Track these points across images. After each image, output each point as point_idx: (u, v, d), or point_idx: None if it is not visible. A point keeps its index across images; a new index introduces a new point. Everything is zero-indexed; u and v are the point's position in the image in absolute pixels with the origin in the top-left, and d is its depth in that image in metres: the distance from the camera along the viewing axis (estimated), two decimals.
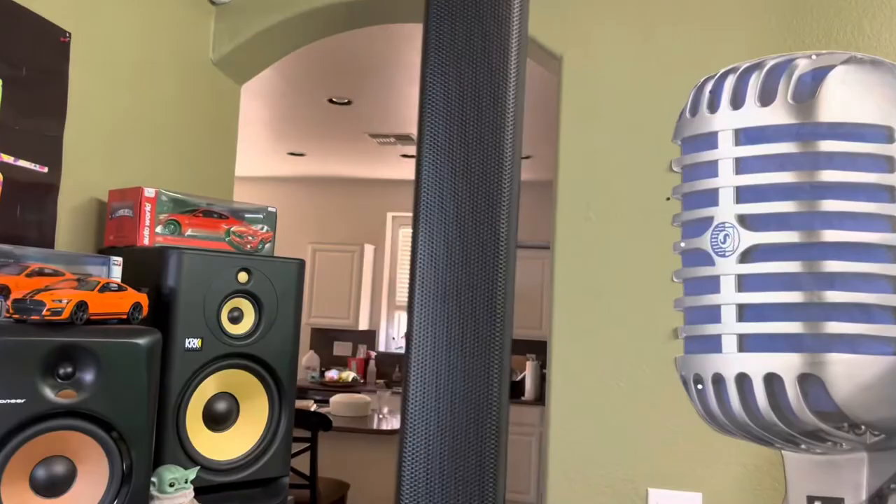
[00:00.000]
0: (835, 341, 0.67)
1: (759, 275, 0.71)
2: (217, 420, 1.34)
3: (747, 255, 0.71)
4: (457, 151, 0.42)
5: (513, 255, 0.42)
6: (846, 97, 0.71)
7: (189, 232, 1.41)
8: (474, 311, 0.41)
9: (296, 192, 7.12)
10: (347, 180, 7.26)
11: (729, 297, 0.71)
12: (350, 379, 6.49)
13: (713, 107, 0.75)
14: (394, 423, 4.67)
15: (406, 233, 7.35)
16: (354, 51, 3.65)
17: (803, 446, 0.68)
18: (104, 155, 1.72)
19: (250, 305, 1.34)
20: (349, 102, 4.55)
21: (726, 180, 0.73)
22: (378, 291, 7.22)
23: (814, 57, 0.73)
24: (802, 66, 0.72)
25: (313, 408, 4.97)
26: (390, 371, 6.97)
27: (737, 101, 0.74)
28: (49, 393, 1.05)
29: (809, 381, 0.67)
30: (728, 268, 0.72)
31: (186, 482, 1.20)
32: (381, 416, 4.87)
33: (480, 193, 0.41)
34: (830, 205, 0.69)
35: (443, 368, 0.41)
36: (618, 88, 1.40)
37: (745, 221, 0.72)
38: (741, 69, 0.75)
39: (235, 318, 1.33)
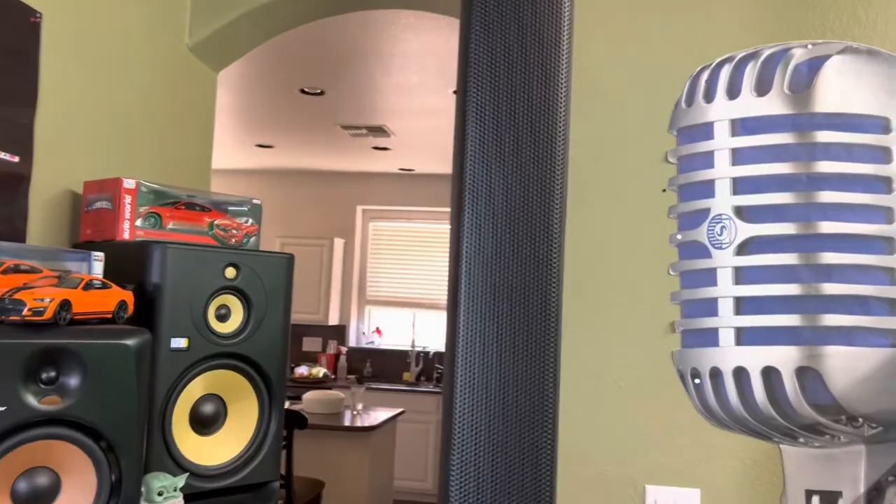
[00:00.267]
0: (832, 334, 0.68)
1: (756, 267, 0.71)
2: (204, 423, 1.30)
3: (744, 247, 0.71)
4: (506, 133, 0.39)
5: (563, 250, 0.40)
6: (842, 87, 0.71)
7: (171, 225, 1.37)
8: (527, 310, 0.39)
9: (263, 185, 7.04)
10: (317, 173, 7.19)
11: (726, 289, 0.71)
12: (321, 375, 6.45)
13: (709, 97, 0.75)
14: (368, 419, 4.65)
15: (377, 226, 7.32)
16: (329, 39, 3.60)
17: (801, 440, 0.69)
18: (78, 144, 1.68)
19: (238, 302, 1.31)
20: (322, 93, 4.50)
21: (723, 171, 0.73)
22: (348, 286, 7.18)
23: (810, 46, 0.73)
24: (798, 55, 0.73)
25: (287, 405, 4.90)
26: (361, 366, 6.94)
27: (733, 91, 0.74)
28: (31, 399, 1.00)
29: (807, 375, 0.67)
30: (725, 260, 0.72)
31: (175, 490, 1.15)
32: (354, 413, 4.85)
33: (532, 181, 0.39)
34: (827, 196, 0.69)
35: (493, 375, 0.38)
36: (613, 78, 1.40)
37: (742, 213, 0.72)
38: (737, 58, 0.75)
39: (223, 316, 1.30)
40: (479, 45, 0.40)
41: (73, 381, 1.03)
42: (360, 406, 4.94)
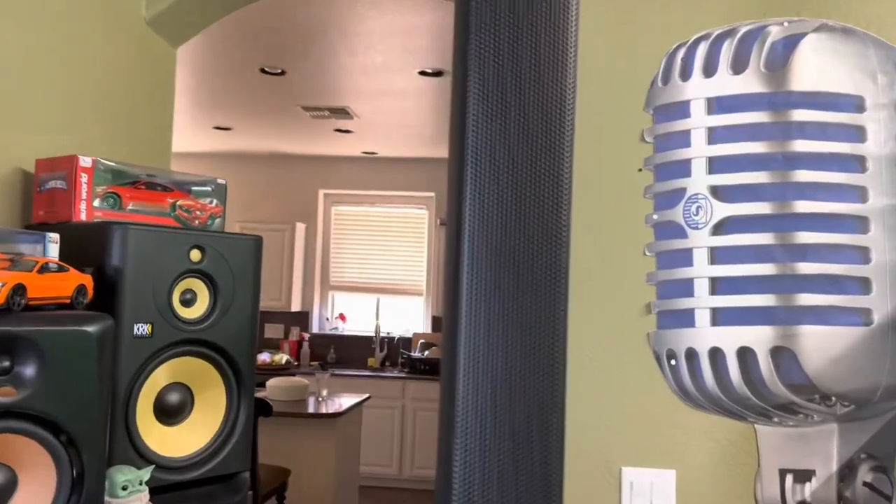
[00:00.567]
0: (806, 313, 0.69)
1: (731, 247, 0.71)
2: (170, 413, 1.27)
3: (720, 227, 0.72)
4: (510, 91, 0.37)
5: (570, 216, 0.38)
6: (819, 66, 0.72)
7: (130, 206, 1.32)
8: (534, 281, 0.37)
9: (222, 169, 6.94)
10: (277, 156, 7.10)
11: (702, 270, 0.72)
12: (283, 361, 6.42)
13: (685, 74, 0.75)
14: (333, 406, 4.64)
15: (339, 211, 7.26)
16: (290, 16, 3.54)
17: (776, 419, 0.70)
18: (28, 120, 1.61)
19: (204, 286, 1.27)
20: (283, 72, 4.42)
21: (699, 150, 0.73)
22: (310, 271, 7.14)
23: (786, 24, 0.74)
24: (775, 33, 0.73)
25: None
26: (325, 352, 6.91)
27: (709, 69, 0.74)
28: None
29: (782, 354, 0.68)
30: (701, 240, 0.72)
31: (141, 483, 1.12)
32: (319, 399, 4.83)
33: (539, 141, 0.37)
34: (802, 175, 0.70)
35: (499, 353, 0.36)
36: (589, 56, 1.39)
37: (718, 193, 0.72)
38: (713, 36, 0.75)
39: (188, 301, 1.26)
40: None
41: (30, 370, 0.98)
42: (324, 392, 4.93)
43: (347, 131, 5.89)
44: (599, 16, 1.40)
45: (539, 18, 0.39)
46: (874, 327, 0.66)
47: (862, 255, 0.68)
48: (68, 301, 1.11)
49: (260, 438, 3.70)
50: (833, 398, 0.67)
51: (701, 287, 0.71)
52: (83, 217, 1.27)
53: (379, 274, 7.04)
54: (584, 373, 1.10)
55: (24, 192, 1.53)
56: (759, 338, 0.68)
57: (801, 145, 0.70)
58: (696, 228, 0.72)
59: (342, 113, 5.29)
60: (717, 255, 0.71)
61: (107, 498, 1.08)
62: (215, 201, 1.37)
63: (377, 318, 6.75)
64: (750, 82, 0.72)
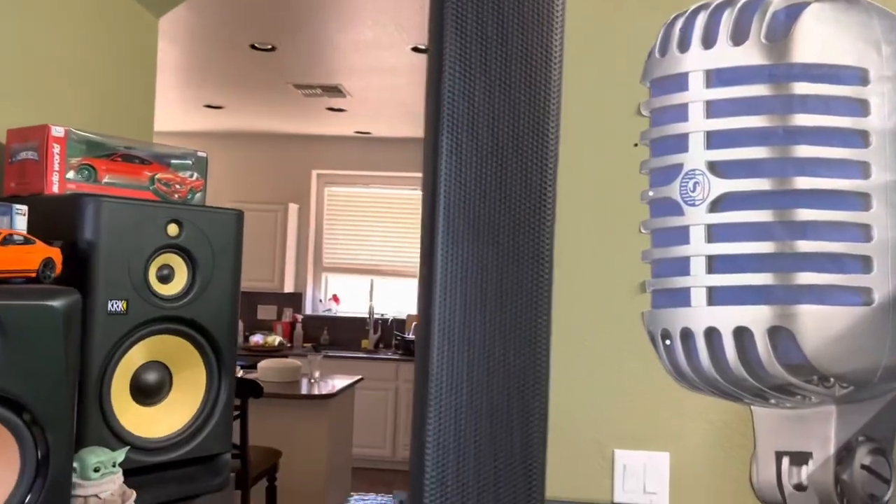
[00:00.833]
0: (805, 293, 0.67)
1: (729, 224, 0.70)
2: (147, 393, 1.24)
3: (717, 204, 0.70)
4: (492, 47, 0.34)
5: (556, 184, 0.36)
6: (821, 36, 0.70)
7: (106, 179, 1.28)
8: (517, 253, 0.34)
9: (213, 148, 6.85)
10: (269, 135, 7.05)
11: (698, 248, 0.70)
12: (276, 343, 6.42)
13: (683, 46, 0.73)
14: (326, 387, 4.64)
15: (333, 192, 7.23)
16: None
17: (772, 401, 0.69)
18: (1, 89, 1.57)
19: (182, 262, 1.23)
20: (273, 48, 4.37)
21: (696, 125, 0.72)
22: (303, 253, 7.12)
23: None
24: (776, 2, 0.71)
25: (239, 374, 4.85)
26: (318, 334, 6.91)
27: (708, 40, 0.72)
28: None
29: (779, 334, 0.67)
30: (698, 217, 0.71)
31: (114, 465, 1.09)
32: (312, 381, 4.83)
33: (523, 103, 0.34)
34: (803, 150, 0.68)
35: (476, 330, 0.33)
36: (584, 24, 1.36)
37: (716, 168, 0.71)
38: (713, 5, 0.73)
39: (165, 277, 1.23)
40: None
41: None
42: (317, 374, 4.92)
43: (340, 110, 5.84)
44: None
45: None
46: (875, 307, 0.65)
47: (863, 232, 0.67)
48: (34, 275, 1.07)
49: (251, 420, 3.70)
50: (831, 379, 0.66)
51: (697, 265, 0.69)
52: (55, 189, 1.23)
53: (373, 255, 7.02)
54: (577, 354, 1.09)
55: None
56: (757, 317, 0.67)
57: (802, 119, 0.68)
58: (693, 205, 0.70)
59: (334, 91, 5.24)
60: (714, 233, 0.69)
61: (78, 480, 1.05)
62: (196, 175, 1.34)
63: (371, 300, 6.74)
64: (750, 54, 0.70)
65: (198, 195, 1.34)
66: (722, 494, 1.03)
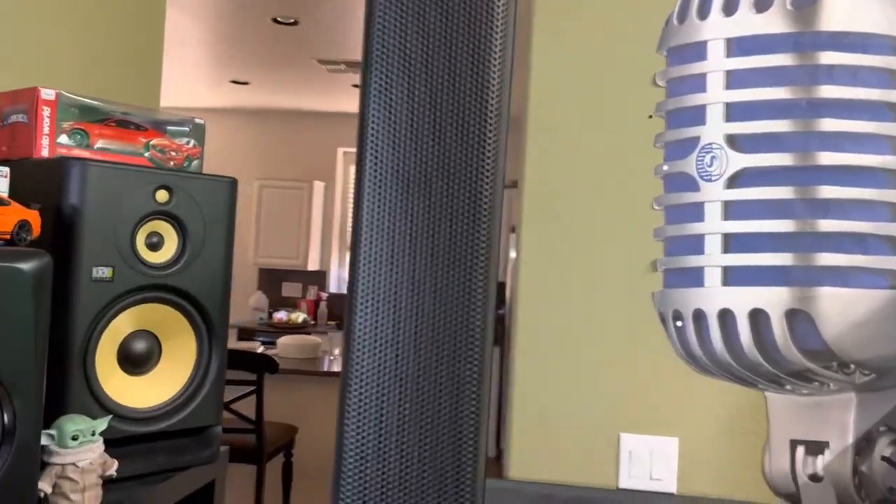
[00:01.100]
0: (826, 274, 0.64)
1: (747, 201, 0.67)
2: (135, 362, 1.23)
3: (735, 180, 0.67)
4: None
5: (504, 128, 0.34)
6: (850, 3, 0.66)
7: (99, 144, 1.27)
8: (450, 204, 0.32)
9: (240, 125, 6.90)
10: (296, 112, 7.05)
11: (714, 225, 0.67)
12: (300, 320, 6.47)
13: (703, 13, 0.70)
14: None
15: None
16: None
17: (788, 387, 0.66)
18: None
19: (172, 230, 1.22)
20: (295, 22, 4.33)
21: (715, 96, 0.68)
22: (328, 231, 7.16)
23: None
24: None
25: (260, 349, 4.89)
26: (343, 312, 6.95)
27: (729, 7, 0.69)
28: None
29: (797, 318, 0.64)
30: (714, 193, 0.67)
31: (94, 434, 1.07)
32: (331, 358, 4.86)
33: (461, 35, 0.31)
34: (829, 124, 0.65)
35: (403, 287, 0.31)
36: None
37: (735, 142, 0.67)
38: None
39: (154, 245, 1.21)
40: None
41: None
42: (336, 351, 4.96)
43: None
44: None
45: None
46: None
47: (891, 211, 0.63)
48: (8, 237, 1.04)
49: (268, 396, 3.72)
50: (852, 366, 0.63)
51: (712, 244, 0.66)
52: (45, 153, 1.22)
53: None
54: (584, 334, 1.07)
55: None
56: (774, 299, 0.64)
57: (828, 91, 0.64)
58: (710, 180, 0.67)
59: (358, 66, 5.22)
60: (731, 210, 0.66)
61: (56, 448, 1.03)
62: (193, 142, 1.32)
63: None
64: (774, 21, 0.67)
65: (195, 163, 1.32)
66: (731, 482, 1.00)
